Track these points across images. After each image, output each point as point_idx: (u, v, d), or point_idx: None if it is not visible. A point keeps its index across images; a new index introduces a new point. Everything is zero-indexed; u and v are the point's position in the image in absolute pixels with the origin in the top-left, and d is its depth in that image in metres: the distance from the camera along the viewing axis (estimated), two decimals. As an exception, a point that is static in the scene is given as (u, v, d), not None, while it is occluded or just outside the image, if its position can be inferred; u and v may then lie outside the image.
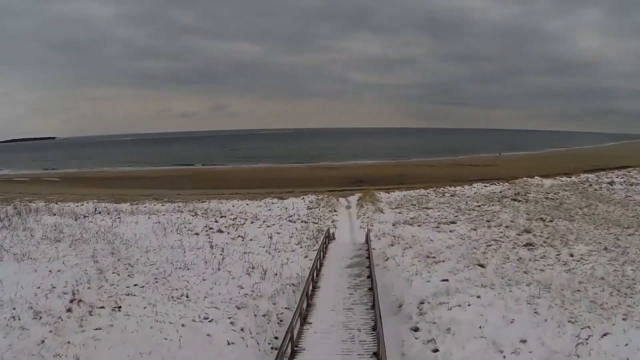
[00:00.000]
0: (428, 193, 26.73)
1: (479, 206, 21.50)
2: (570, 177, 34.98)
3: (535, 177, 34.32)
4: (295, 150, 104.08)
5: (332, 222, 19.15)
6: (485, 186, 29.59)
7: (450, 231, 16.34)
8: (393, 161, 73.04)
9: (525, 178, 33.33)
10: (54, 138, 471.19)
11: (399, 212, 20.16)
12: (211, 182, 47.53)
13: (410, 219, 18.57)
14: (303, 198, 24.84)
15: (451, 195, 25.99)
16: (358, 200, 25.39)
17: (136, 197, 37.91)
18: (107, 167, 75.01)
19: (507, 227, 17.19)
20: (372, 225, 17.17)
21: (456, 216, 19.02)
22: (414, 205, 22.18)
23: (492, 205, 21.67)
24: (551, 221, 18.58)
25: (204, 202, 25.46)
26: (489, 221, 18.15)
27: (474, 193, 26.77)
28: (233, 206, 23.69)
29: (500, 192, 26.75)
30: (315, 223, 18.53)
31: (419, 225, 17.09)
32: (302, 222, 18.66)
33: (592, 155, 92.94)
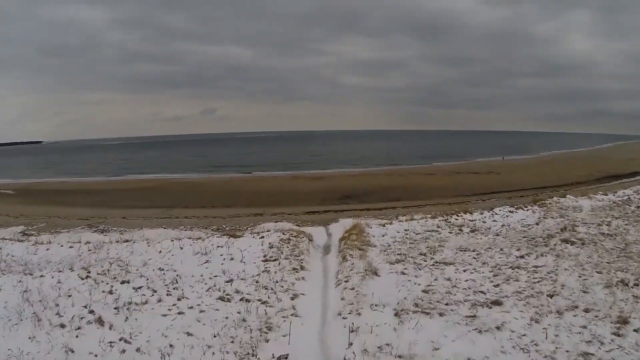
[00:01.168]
0: (438, 225, 19.48)
1: (521, 257, 14.21)
2: (607, 195, 27.99)
3: (567, 196, 27.30)
4: (280, 156, 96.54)
5: (292, 297, 11.74)
6: (512, 212, 22.40)
7: (498, 328, 9.21)
8: (386, 168, 65.86)
9: (557, 198, 26.27)
10: (40, 142, 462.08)
11: (403, 273, 12.77)
12: (172, 198, 39.96)
13: (424, 293, 11.19)
14: (263, 237, 17.42)
15: (471, 231, 18.71)
16: (341, 239, 18.01)
17: (73, 219, 30.87)
18: (72, 176, 67.06)
19: (586, 310, 10.16)
20: (360, 315, 9.96)
21: (497, 286, 11.76)
22: (423, 255, 14.78)
23: (540, 254, 14.45)
24: (637, 285, 11.61)
25: (128, 242, 17.94)
26: (551, 296, 11.02)
27: (502, 226, 19.52)
28: (160, 252, 16.18)
29: (537, 223, 19.56)
30: (264, 303, 11.13)
31: (441, 315, 9.88)
32: (242, 300, 11.27)
33: (597, 158, 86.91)
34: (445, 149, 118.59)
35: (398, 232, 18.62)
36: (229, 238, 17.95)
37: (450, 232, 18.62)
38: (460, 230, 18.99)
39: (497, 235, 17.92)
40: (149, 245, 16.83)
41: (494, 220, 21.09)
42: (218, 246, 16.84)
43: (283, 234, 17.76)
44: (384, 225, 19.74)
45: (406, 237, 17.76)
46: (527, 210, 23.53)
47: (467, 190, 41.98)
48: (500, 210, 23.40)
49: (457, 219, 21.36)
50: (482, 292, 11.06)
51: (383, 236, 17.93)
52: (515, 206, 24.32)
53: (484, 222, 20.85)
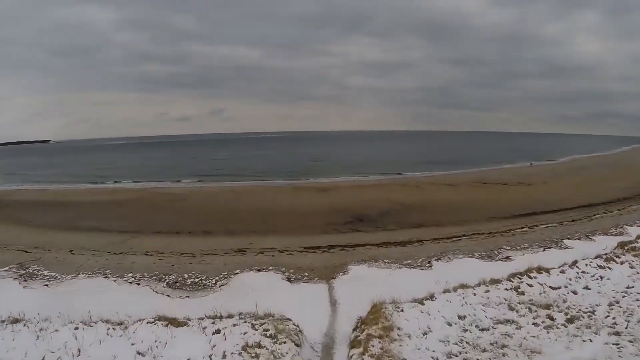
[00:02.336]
0: (511, 306, 11.91)
1: None
2: None
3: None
4: (283, 160, 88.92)
5: None
6: (602, 268, 14.81)
7: None
8: (399, 177, 58.11)
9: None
10: (48, 142, 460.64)
11: None
12: (143, 218, 32.69)
13: None
14: (219, 333, 10.00)
15: (568, 320, 11.12)
16: (355, 332, 10.53)
17: (10, 251, 24.17)
18: (52, 183, 60.21)
19: None
20: None
21: None
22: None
23: None
24: None
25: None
26: None
27: (609, 306, 11.92)
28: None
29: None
30: None
31: None
32: None
33: (627, 165, 79.09)
34: (459, 153, 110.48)
35: (449, 324, 10.96)
36: (166, 326, 10.53)
37: (535, 324, 10.96)
38: (551, 318, 11.29)
39: (614, 330, 10.28)
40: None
41: (587, 288, 13.42)
42: (138, 353, 9.44)
43: (253, 327, 10.24)
44: (421, 303, 12.06)
45: (466, 342, 10.12)
46: (621, 263, 15.84)
47: (503, 209, 34.32)
48: (584, 263, 15.72)
49: (531, 285, 13.67)
50: None
51: (425, 335, 10.31)
52: (603, 255, 16.65)
53: (575, 291, 13.18)
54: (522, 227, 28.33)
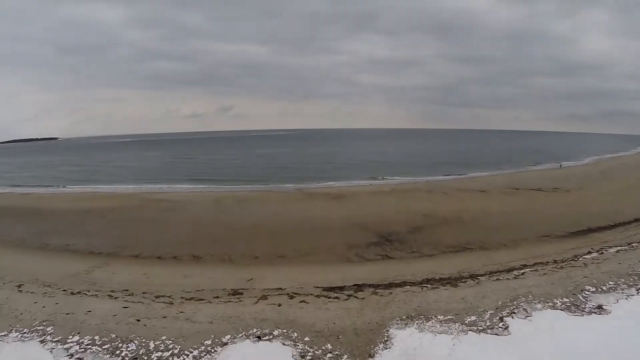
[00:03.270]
0: None
1: None
2: None
3: None
4: (292, 160, 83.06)
5: None
6: None
7: None
8: (422, 180, 52.01)
9: None
10: (56, 139, 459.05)
11: None
12: (125, 233, 27.10)
13: None
14: None
15: None
16: None
17: None
18: (44, 186, 55.19)
19: None
20: None
21: None
22: None
23: None
24: None
25: None
26: None
27: None
28: None
29: None
30: None
31: None
32: None
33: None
34: (476, 153, 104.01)
35: None
36: None
37: None
38: None
39: None
40: None
41: None
42: None
43: None
44: None
45: None
46: None
47: (551, 224, 28.35)
48: None
49: None
50: None
51: None
52: None
53: None
54: (589, 252, 22.31)
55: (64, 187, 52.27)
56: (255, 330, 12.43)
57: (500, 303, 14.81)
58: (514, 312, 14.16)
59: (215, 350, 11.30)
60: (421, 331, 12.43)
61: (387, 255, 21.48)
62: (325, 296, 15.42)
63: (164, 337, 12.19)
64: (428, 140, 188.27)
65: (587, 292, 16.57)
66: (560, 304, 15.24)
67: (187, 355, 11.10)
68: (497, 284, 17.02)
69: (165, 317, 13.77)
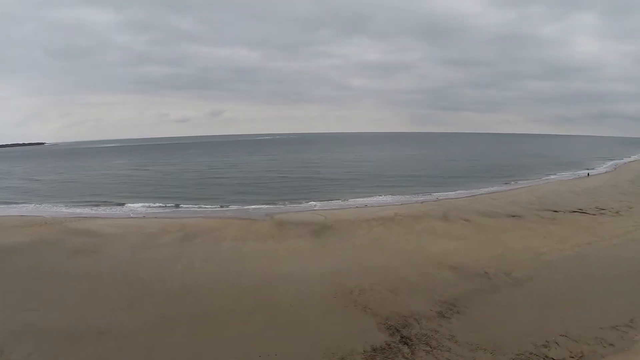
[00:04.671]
0: None
1: None
2: None
3: None
4: (273, 169, 71.47)
5: None
6: None
7: None
8: (429, 197, 40.95)
9: None
10: (43, 144, 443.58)
11: None
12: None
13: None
14: None
15: None
16: None
17: None
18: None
19: None
20: None
21: None
22: None
23: None
24: None
25: None
26: None
27: None
28: None
29: None
30: None
31: None
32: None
33: None
34: (480, 160, 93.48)
35: None
36: None
37: None
38: None
39: None
40: None
41: None
42: None
43: None
44: None
45: None
46: None
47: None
48: None
49: None
50: None
51: None
52: None
53: None
54: None
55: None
56: None
57: None
58: None
59: None
60: None
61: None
62: None
63: None
64: (423, 145, 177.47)
65: None
66: None
67: None
68: None
69: None
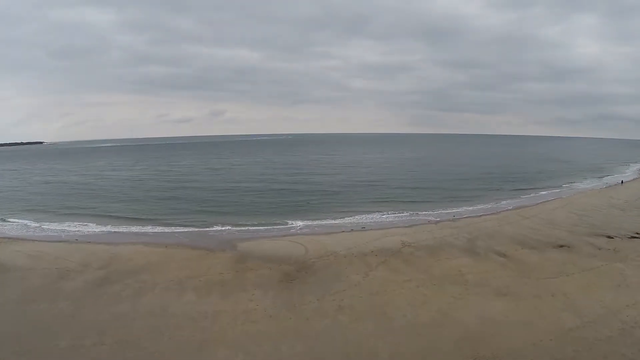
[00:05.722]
0: None
1: None
2: None
3: None
4: (255, 175, 62.26)
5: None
6: None
7: None
8: (444, 215, 32.27)
9: None
10: (42, 143, 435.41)
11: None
12: None
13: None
14: None
15: None
16: None
17: None
18: None
19: None
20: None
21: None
22: None
23: None
24: None
25: None
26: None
27: None
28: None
29: None
30: None
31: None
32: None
33: None
34: (493, 164, 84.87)
35: None
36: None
37: None
38: None
39: None
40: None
41: None
42: None
43: None
44: None
45: None
46: None
47: None
48: None
49: None
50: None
51: None
52: None
53: None
54: None
55: None
56: None
57: None
58: None
59: None
60: None
61: None
62: None
63: None
64: (424, 147, 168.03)
65: None
66: None
67: None
68: None
69: None
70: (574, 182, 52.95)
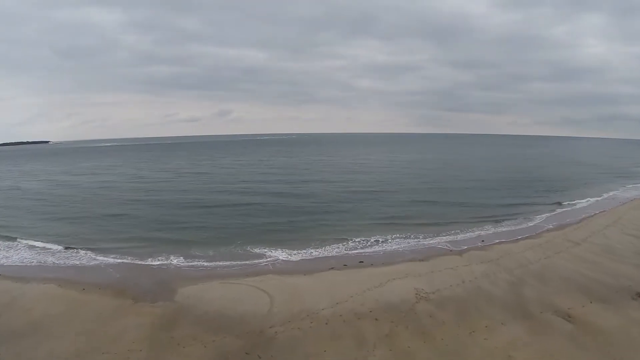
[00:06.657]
0: None
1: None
2: None
3: None
4: (245, 181, 54.32)
5: None
6: None
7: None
8: (470, 240, 24.64)
9: None
10: (47, 142, 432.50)
11: None
12: None
13: None
14: None
15: None
16: None
17: None
18: None
19: None
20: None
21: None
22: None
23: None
24: None
25: None
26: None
27: None
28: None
29: None
30: None
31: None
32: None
33: None
34: (510, 167, 76.68)
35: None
36: None
37: None
38: None
39: None
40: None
41: None
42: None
43: None
44: None
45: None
46: None
47: None
48: None
49: None
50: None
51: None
52: None
53: None
54: None
55: None
56: None
57: None
58: None
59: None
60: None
61: None
62: None
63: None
64: (432, 148, 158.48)
65: None
66: None
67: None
68: None
69: None
70: (612, 190, 44.99)
